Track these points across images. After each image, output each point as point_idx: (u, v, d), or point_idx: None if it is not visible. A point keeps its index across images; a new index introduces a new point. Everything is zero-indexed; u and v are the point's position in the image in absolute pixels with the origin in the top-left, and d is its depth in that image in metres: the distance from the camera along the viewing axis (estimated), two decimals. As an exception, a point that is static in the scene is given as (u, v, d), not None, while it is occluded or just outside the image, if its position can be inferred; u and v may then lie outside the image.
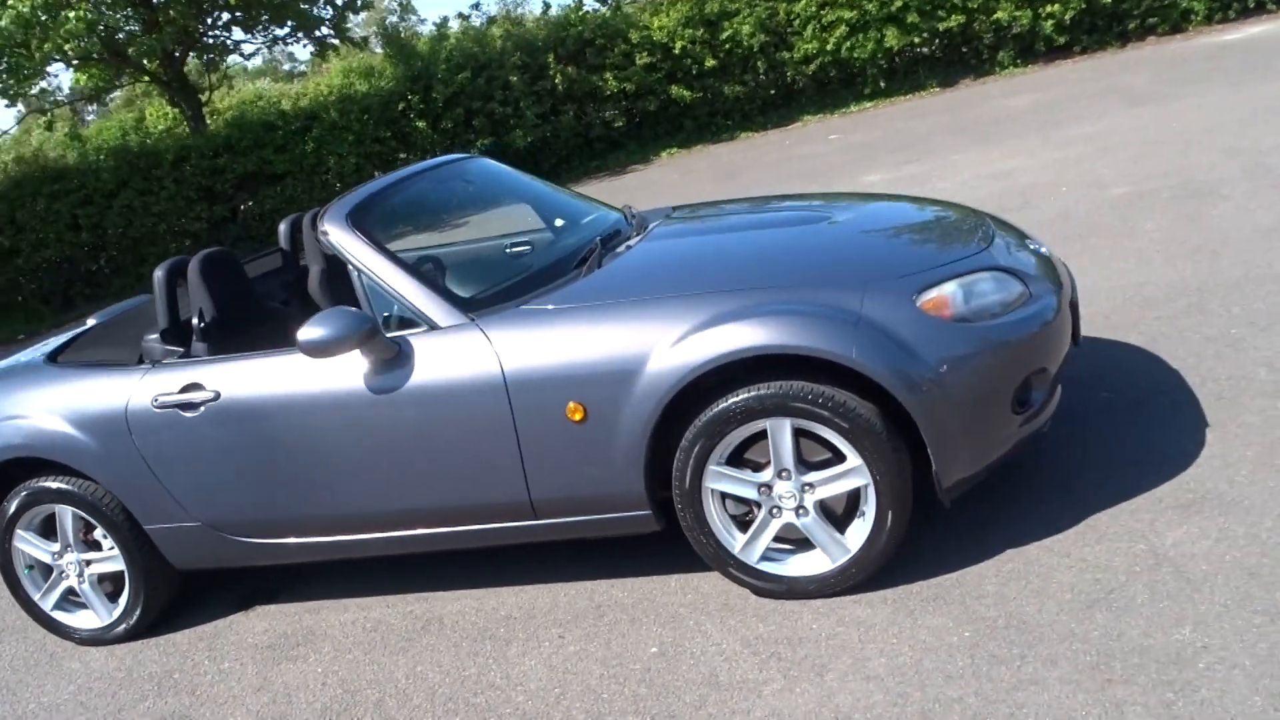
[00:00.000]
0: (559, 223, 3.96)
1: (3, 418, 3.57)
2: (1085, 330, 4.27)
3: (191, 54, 14.38)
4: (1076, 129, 8.59)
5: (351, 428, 3.12)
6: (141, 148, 13.15)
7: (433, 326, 3.06)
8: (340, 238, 3.20)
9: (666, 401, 2.81)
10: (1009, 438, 2.87)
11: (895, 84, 13.74)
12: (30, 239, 12.60)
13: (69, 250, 12.81)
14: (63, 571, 3.69)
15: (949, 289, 2.85)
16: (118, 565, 3.59)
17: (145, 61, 13.29)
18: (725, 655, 2.80)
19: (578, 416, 2.90)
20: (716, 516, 2.95)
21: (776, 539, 2.95)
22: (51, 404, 3.51)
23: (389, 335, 3.08)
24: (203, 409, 3.28)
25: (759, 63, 13.66)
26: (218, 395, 3.26)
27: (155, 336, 3.54)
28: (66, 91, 16.99)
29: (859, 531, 2.86)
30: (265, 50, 17.10)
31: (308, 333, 2.95)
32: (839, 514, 2.90)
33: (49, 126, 14.70)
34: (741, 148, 13.00)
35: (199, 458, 3.33)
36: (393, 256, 3.18)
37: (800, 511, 2.88)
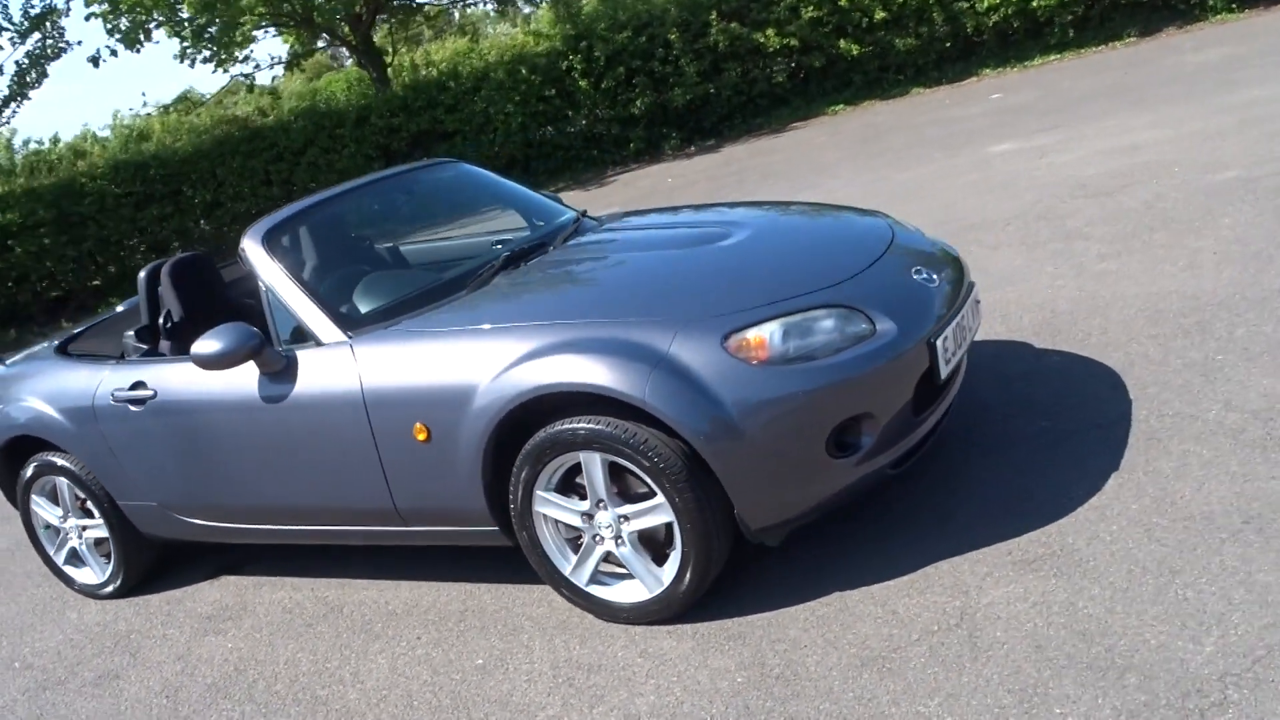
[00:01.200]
0: (505, 231, 4.09)
1: (14, 400, 4.11)
2: (1080, 343, 3.99)
3: (379, 17, 15.20)
4: (1246, 93, 7.72)
5: (250, 430, 3.40)
6: (328, 108, 14.12)
7: (318, 342, 3.27)
8: (253, 255, 3.46)
9: (492, 428, 2.91)
10: (836, 480, 2.78)
11: (1088, 34, 12.70)
12: (229, 192, 13.88)
13: (262, 203, 14.01)
14: (67, 534, 4.21)
15: (767, 330, 2.77)
16: (104, 533, 4.08)
17: (335, 28, 14.19)
18: (530, 676, 2.90)
19: (422, 436, 3.04)
20: (550, 539, 3.02)
21: (611, 563, 3.01)
22: (47, 391, 4.01)
23: (284, 348, 3.33)
24: (145, 405, 3.66)
25: (935, 14, 12.97)
26: (155, 394, 3.63)
27: (131, 334, 3.96)
28: (264, 59, 18.36)
29: (672, 566, 2.87)
30: (450, 10, 17.65)
31: (201, 346, 3.23)
32: (661, 545, 2.92)
33: (250, 89, 16.06)
34: (906, 106, 12.48)
35: (144, 447, 3.72)
36: (295, 275, 3.40)
37: (618, 541, 2.91)
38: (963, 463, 3.33)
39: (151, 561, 4.13)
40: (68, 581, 4.30)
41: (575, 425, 2.78)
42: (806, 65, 13.56)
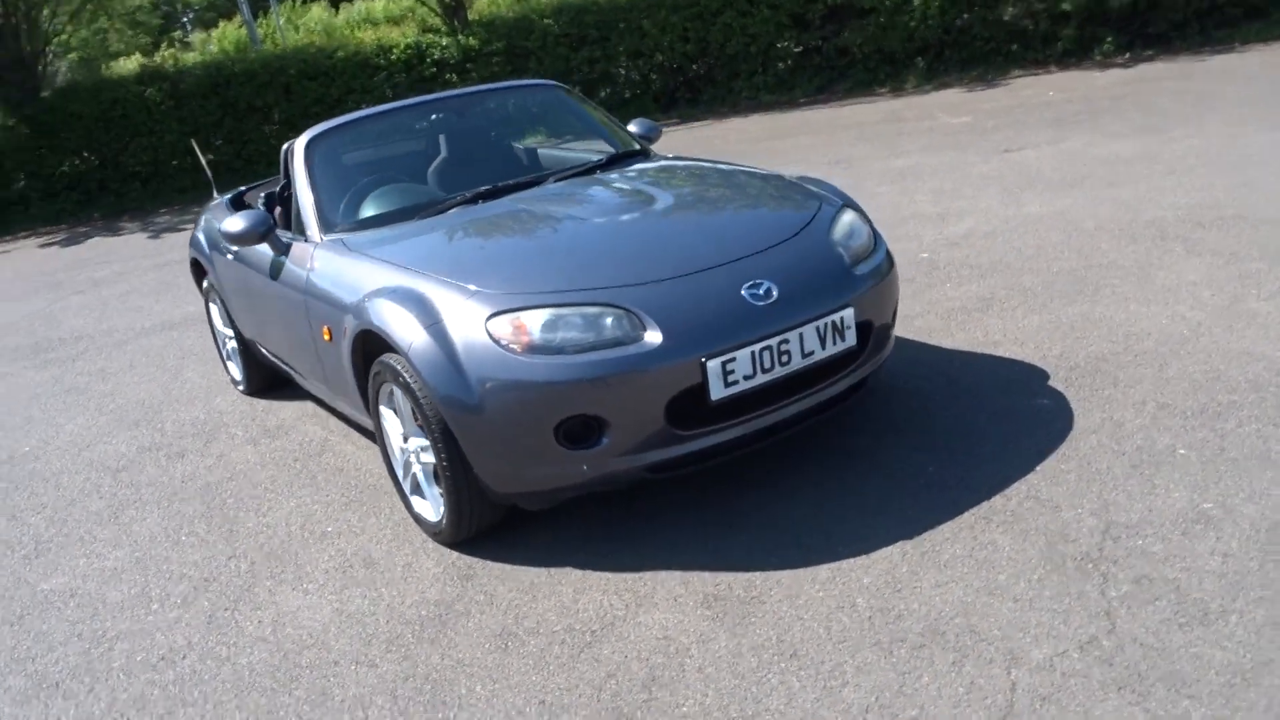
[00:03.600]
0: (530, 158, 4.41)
1: (198, 230, 5.27)
2: (1083, 367, 3.53)
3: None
4: None
5: (270, 295, 4.19)
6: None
7: (305, 237, 3.93)
8: (293, 155, 4.14)
9: (350, 349, 3.38)
10: (575, 469, 2.92)
11: None
12: (649, 44, 14.77)
13: (676, 59, 14.77)
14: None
15: (535, 317, 2.92)
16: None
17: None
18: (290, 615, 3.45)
19: (326, 337, 3.62)
20: (391, 447, 3.49)
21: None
22: (210, 229, 5.07)
23: (289, 236, 4.03)
24: (230, 257, 4.61)
25: None
26: (237, 253, 4.54)
27: (263, 195, 4.89)
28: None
29: (440, 503, 3.23)
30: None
31: (226, 224, 4.01)
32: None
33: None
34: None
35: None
36: (312, 178, 4.02)
37: (422, 466, 3.32)
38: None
39: (267, 375, 5.12)
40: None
41: (388, 361, 3.17)
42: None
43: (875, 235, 3.44)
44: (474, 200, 3.80)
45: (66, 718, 2.71)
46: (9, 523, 4.06)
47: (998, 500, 2.94)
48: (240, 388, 5.20)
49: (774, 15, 14.01)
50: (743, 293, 2.95)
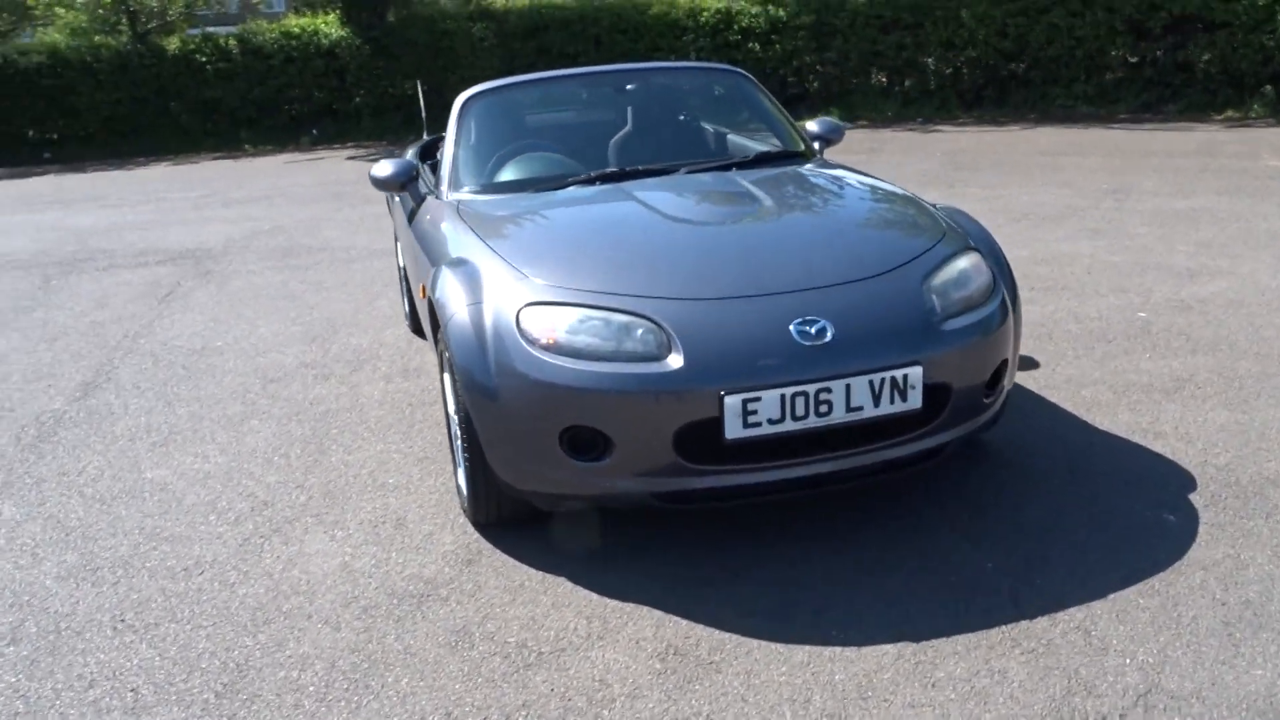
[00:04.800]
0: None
1: None
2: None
3: None
4: None
5: (406, 240, 4.30)
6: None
7: (437, 193, 4.00)
8: (453, 113, 4.20)
9: (427, 309, 3.44)
10: (577, 480, 2.79)
11: None
12: (963, 36, 13.88)
13: (992, 55, 13.81)
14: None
15: (564, 315, 2.80)
16: None
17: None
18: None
19: (422, 295, 3.69)
20: (450, 410, 3.48)
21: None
22: None
23: (428, 189, 4.12)
24: (396, 198, 4.77)
25: None
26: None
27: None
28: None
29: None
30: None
31: (375, 169, 4.14)
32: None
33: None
34: None
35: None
36: (459, 136, 4.06)
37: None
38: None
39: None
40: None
41: (439, 337, 3.18)
42: None
43: (996, 286, 3.01)
44: (591, 181, 3.68)
45: (85, 602, 2.92)
46: (163, 408, 4.45)
47: (1040, 622, 2.51)
48: (407, 324, 5.41)
49: (1108, 19, 12.73)
50: (791, 328, 2.67)
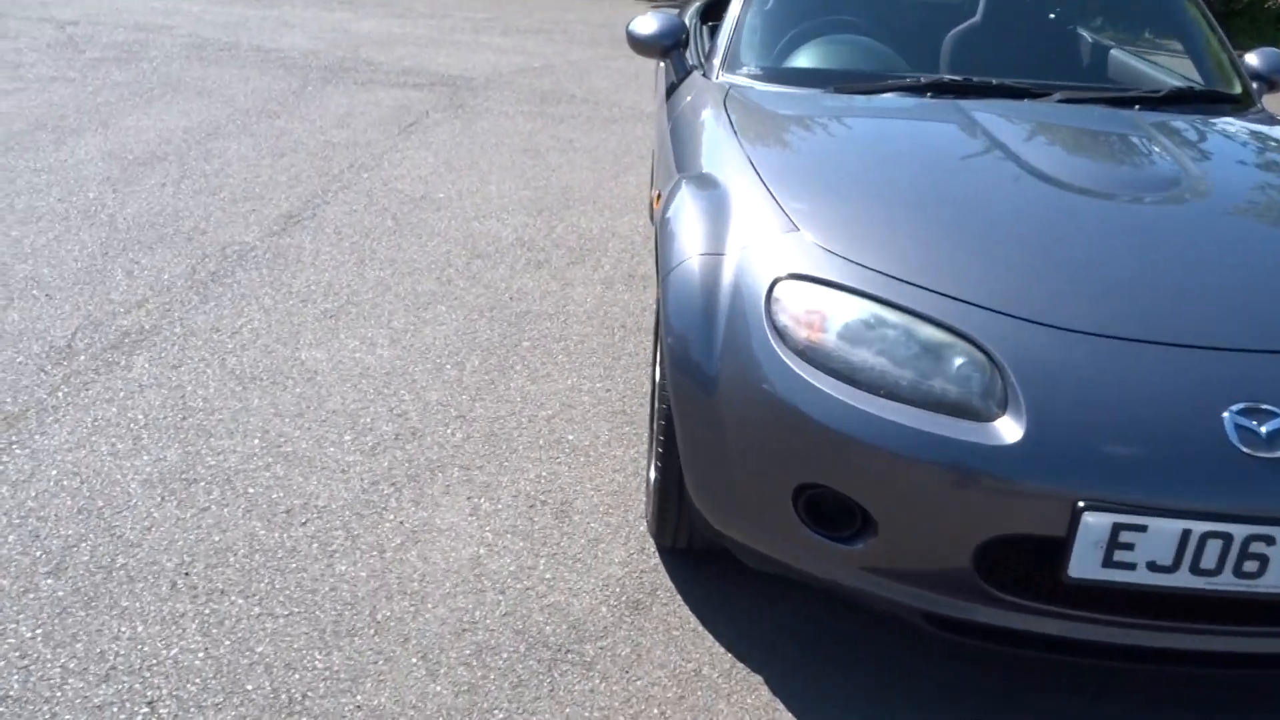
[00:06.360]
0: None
1: None
2: None
3: None
4: None
5: (660, 115, 3.33)
6: None
7: (704, 69, 2.99)
8: None
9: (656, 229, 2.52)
10: (808, 556, 1.83)
11: None
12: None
13: None
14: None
15: (840, 303, 1.79)
16: None
17: None
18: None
19: (655, 202, 2.75)
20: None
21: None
22: None
23: (694, 62, 3.12)
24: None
25: None
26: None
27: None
28: None
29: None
30: None
31: (635, 23, 3.16)
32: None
33: None
34: None
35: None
36: (741, 12, 3.00)
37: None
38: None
39: None
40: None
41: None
42: None
43: None
44: (919, 90, 2.56)
45: (157, 532, 2.32)
46: (352, 267, 3.81)
47: None
48: (650, 212, 4.50)
49: None
50: (1225, 416, 1.55)
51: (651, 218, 4.25)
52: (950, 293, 1.72)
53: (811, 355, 1.70)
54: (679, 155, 2.55)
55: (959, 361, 1.65)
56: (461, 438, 2.72)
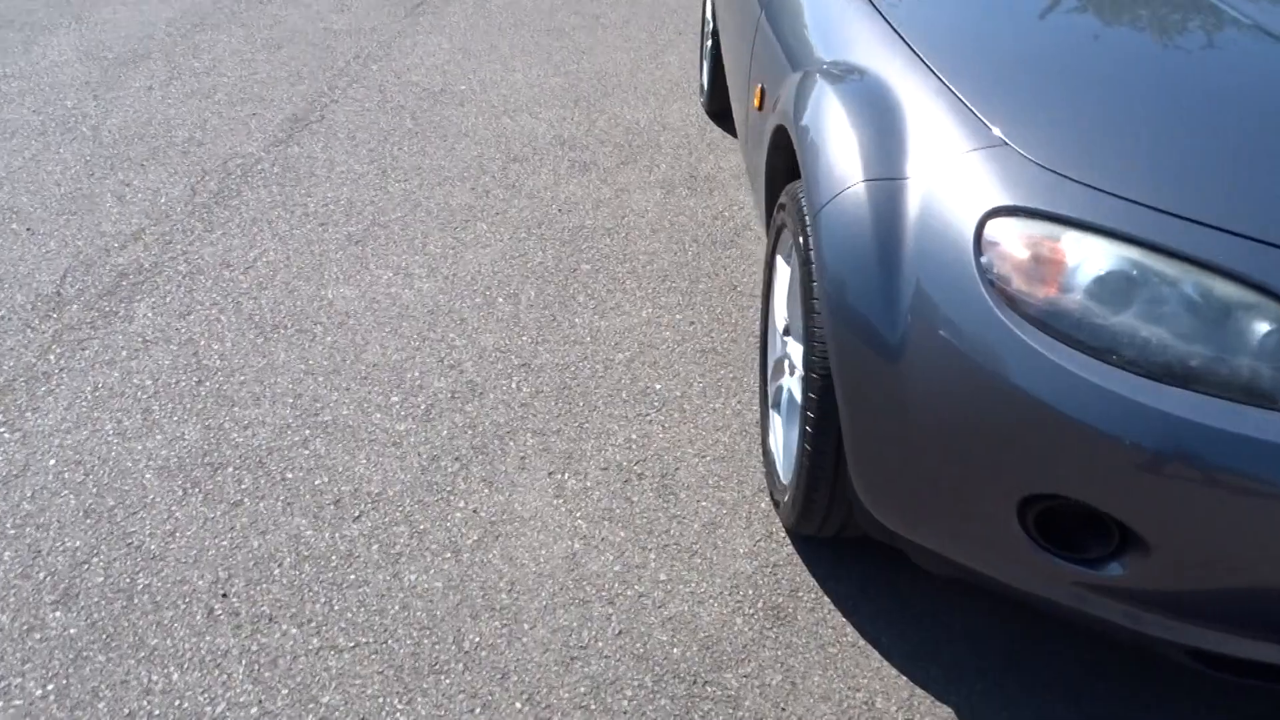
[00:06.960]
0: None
1: None
2: None
3: None
4: None
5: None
6: None
7: None
8: None
9: (769, 141, 2.02)
10: (1030, 576, 1.42)
11: None
12: None
13: None
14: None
15: (1082, 245, 1.32)
16: None
17: None
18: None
19: (757, 102, 2.23)
20: (775, 318, 2.15)
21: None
22: None
23: None
24: None
25: None
26: None
27: None
28: None
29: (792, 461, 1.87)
30: None
31: None
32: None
33: None
34: None
35: None
36: None
37: (783, 390, 1.95)
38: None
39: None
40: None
41: (798, 196, 1.76)
42: None
43: None
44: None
45: (184, 538, 1.93)
46: (374, 179, 3.32)
47: None
48: (702, 100, 3.97)
49: None
50: None
51: (714, 104, 3.72)
52: (1242, 230, 1.25)
53: (1049, 322, 1.24)
54: (787, 43, 2.03)
55: (1265, 329, 1.19)
56: (529, 393, 2.29)
